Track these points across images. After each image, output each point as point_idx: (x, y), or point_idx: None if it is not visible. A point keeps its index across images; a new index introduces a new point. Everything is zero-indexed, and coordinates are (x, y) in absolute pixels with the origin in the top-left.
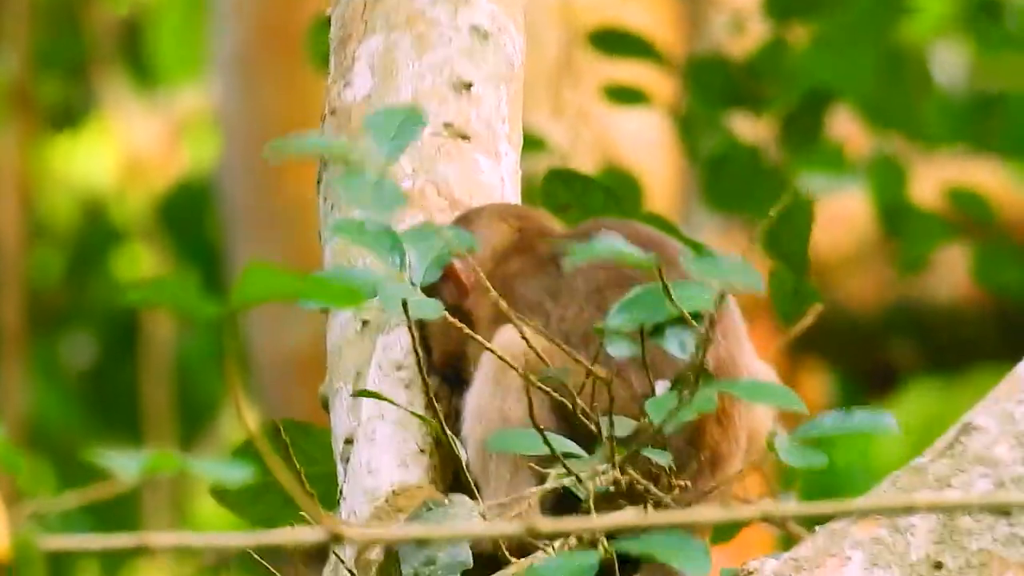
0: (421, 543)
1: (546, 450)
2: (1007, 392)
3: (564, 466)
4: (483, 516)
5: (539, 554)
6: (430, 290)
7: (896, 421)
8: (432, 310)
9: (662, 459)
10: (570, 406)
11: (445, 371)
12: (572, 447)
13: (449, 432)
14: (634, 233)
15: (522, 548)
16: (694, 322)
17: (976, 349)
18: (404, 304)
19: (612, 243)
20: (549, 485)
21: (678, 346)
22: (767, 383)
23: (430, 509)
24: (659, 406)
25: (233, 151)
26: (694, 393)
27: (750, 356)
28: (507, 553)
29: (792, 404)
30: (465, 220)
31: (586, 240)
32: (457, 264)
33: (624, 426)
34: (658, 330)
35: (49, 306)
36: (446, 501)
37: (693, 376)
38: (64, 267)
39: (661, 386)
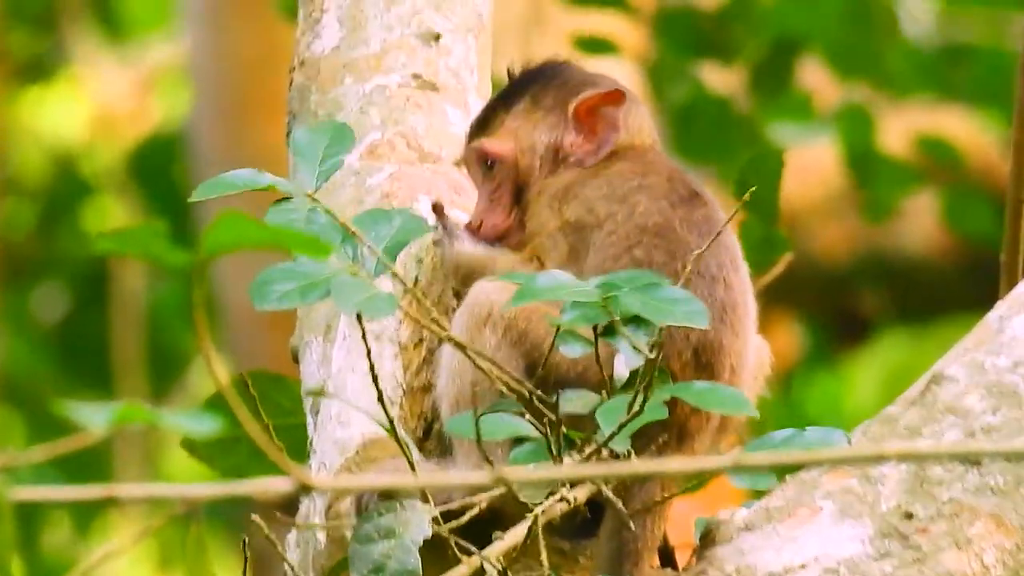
0: (373, 541)
1: (511, 432)
2: (976, 342)
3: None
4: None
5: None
6: (560, 99)
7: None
8: (386, 306)
9: (621, 446)
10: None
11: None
12: (530, 431)
13: (400, 431)
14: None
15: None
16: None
17: (946, 298)
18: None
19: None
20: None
21: (629, 347)
22: (720, 388)
23: (382, 515)
24: (609, 414)
25: (203, 102)
26: (648, 396)
27: (745, 346)
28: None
29: (745, 411)
30: (629, 105)
31: (659, 178)
32: (610, 138)
33: (588, 402)
34: (612, 328)
35: (20, 258)
36: (415, 450)
37: (646, 380)
38: (35, 220)
39: (621, 361)
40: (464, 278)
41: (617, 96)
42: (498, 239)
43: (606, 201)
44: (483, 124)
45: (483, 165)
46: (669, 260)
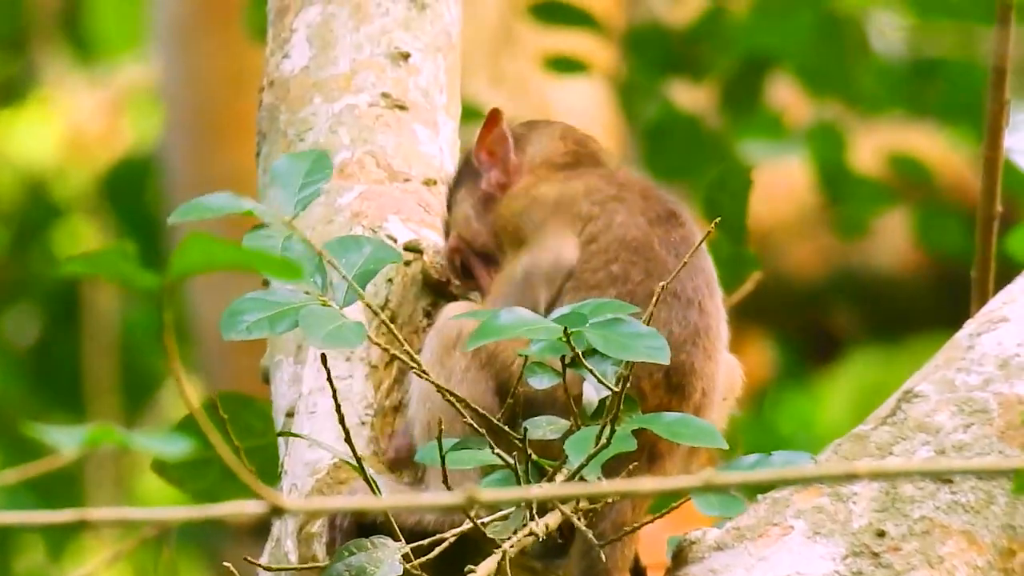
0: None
1: (481, 461)
2: (947, 359)
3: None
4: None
5: None
6: (468, 172)
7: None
8: (354, 337)
9: (592, 475)
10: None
11: (454, 263)
12: (498, 460)
13: (366, 467)
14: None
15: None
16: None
17: (917, 316)
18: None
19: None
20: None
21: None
22: (690, 419)
23: (353, 553)
24: (578, 445)
25: (174, 123)
26: (615, 428)
27: (716, 369)
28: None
29: (713, 443)
30: (531, 126)
31: (637, 193)
32: (512, 158)
33: (558, 427)
34: (578, 360)
35: None
36: (386, 473)
37: (613, 413)
38: (6, 243)
39: (590, 385)
40: None
41: (490, 115)
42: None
43: (586, 197)
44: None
45: (454, 269)
46: (645, 279)
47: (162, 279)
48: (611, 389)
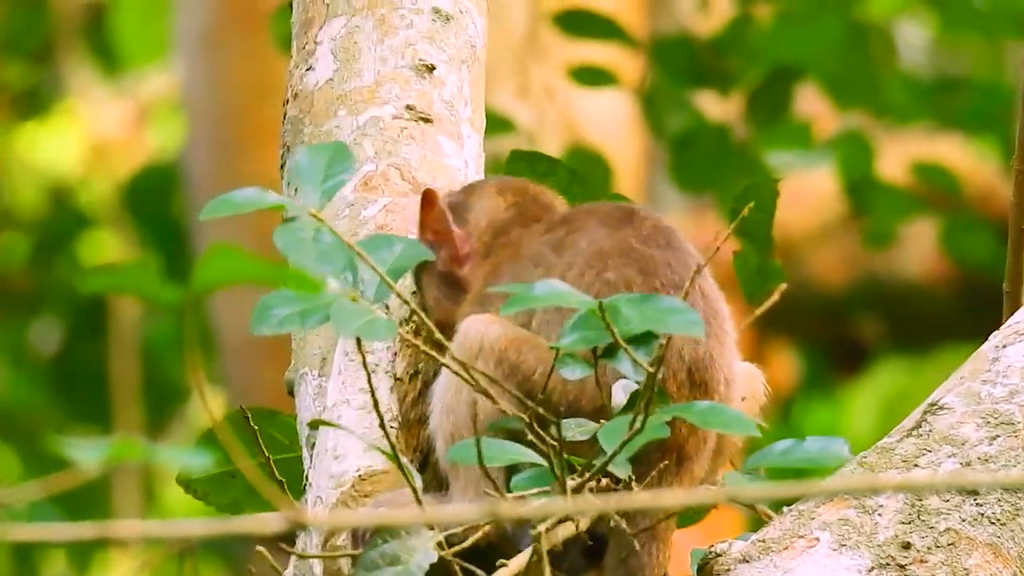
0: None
1: (511, 459)
2: (972, 371)
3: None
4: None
5: None
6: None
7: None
8: (385, 331)
9: (622, 472)
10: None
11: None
12: (533, 457)
13: (403, 460)
14: (633, 214)
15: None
16: (655, 340)
17: (943, 325)
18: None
19: None
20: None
21: (631, 367)
22: (721, 408)
23: (386, 541)
24: (611, 435)
25: (197, 132)
26: (648, 414)
27: (732, 355)
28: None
29: (745, 430)
30: (467, 191)
31: (586, 215)
32: (456, 232)
33: (587, 429)
34: (611, 350)
35: (15, 291)
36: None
37: (647, 397)
38: (30, 252)
39: (619, 387)
40: None
41: (424, 196)
42: None
43: (536, 264)
44: None
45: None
46: (645, 278)
47: (185, 294)
48: (646, 369)
